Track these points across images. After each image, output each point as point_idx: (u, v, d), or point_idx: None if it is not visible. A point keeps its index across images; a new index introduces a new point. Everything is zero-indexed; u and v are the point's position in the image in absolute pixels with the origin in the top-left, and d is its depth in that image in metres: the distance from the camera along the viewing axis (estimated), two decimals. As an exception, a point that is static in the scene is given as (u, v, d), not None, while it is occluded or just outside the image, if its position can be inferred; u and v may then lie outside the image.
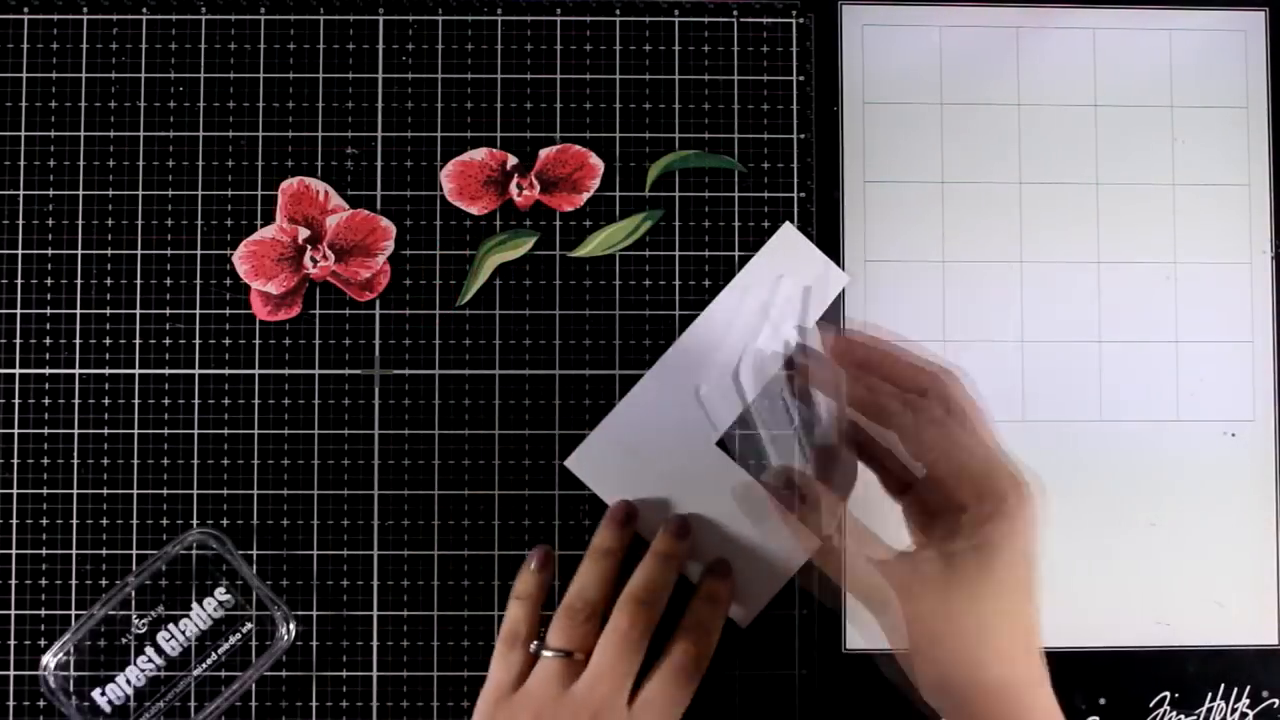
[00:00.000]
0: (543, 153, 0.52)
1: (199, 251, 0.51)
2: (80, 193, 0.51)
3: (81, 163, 0.51)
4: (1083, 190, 0.52)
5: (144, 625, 0.49)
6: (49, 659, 0.48)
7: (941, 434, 0.43)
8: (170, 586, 0.50)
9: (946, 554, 0.42)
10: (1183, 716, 0.51)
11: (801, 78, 0.52)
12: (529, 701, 0.44)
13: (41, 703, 0.50)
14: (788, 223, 0.51)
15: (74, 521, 0.50)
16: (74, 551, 0.50)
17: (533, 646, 0.46)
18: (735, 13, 0.52)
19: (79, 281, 0.51)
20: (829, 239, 0.52)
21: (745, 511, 0.49)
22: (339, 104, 0.52)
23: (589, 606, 0.46)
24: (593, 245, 0.51)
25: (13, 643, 0.50)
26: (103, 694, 0.49)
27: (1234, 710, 0.51)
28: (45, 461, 0.50)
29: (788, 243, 0.51)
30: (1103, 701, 0.51)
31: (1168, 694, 0.51)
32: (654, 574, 0.46)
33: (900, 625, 0.43)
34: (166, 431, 0.51)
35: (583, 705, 0.43)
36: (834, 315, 0.51)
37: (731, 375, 0.50)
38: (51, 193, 0.51)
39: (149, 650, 0.49)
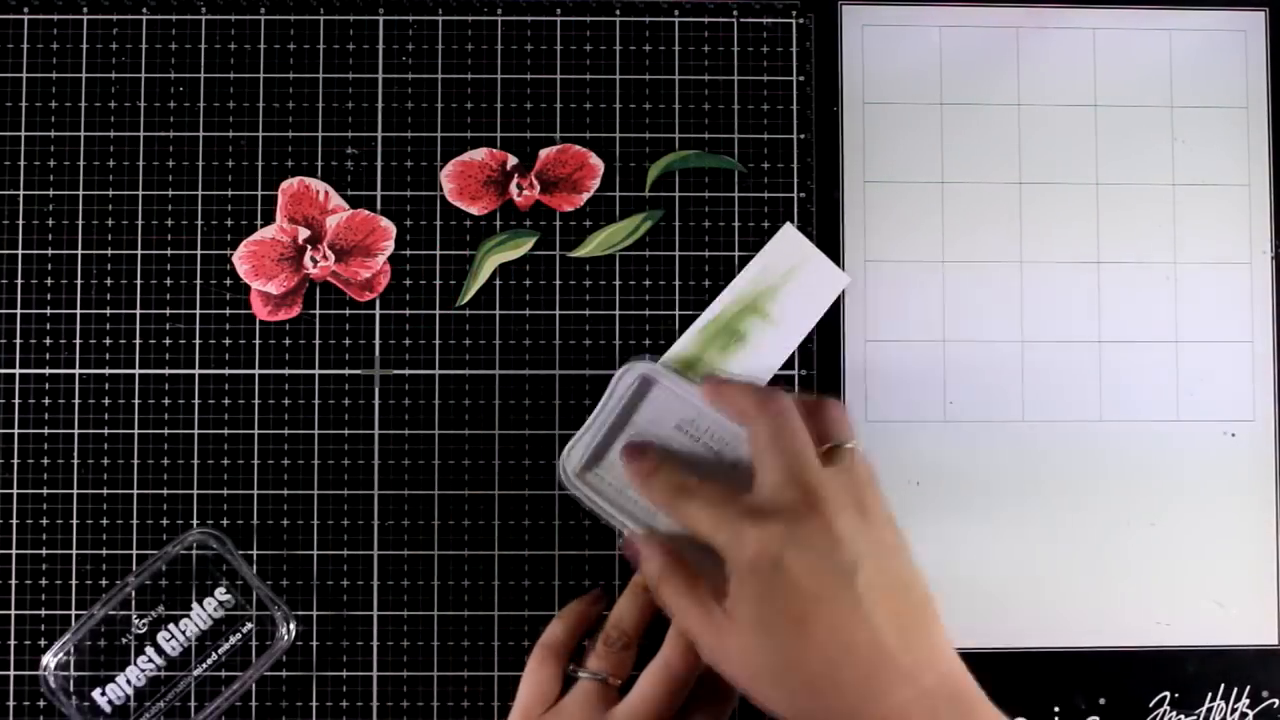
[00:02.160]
0: (543, 153, 0.52)
1: (199, 251, 0.51)
2: (80, 193, 0.51)
3: (81, 163, 0.51)
4: (1083, 190, 0.52)
5: (144, 625, 0.49)
6: (49, 659, 0.48)
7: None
8: (170, 586, 0.50)
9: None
10: (1183, 716, 0.51)
11: (801, 78, 0.52)
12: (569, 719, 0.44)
13: (41, 703, 0.50)
14: (788, 223, 0.51)
15: (74, 521, 0.50)
16: (74, 551, 0.50)
17: (570, 668, 0.46)
18: (735, 13, 0.52)
19: (79, 281, 0.51)
20: (829, 239, 0.52)
21: None
22: (339, 104, 0.52)
23: (624, 637, 0.46)
24: (593, 245, 0.51)
25: (13, 643, 0.50)
26: (103, 694, 0.49)
27: (1234, 710, 0.51)
28: (45, 461, 0.50)
29: (789, 243, 0.51)
30: (1103, 701, 0.51)
31: (1168, 694, 0.51)
32: None
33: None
34: (166, 431, 0.51)
35: None
36: (833, 316, 0.51)
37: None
38: (51, 193, 0.51)
39: (149, 650, 0.49)
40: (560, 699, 0.45)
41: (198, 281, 0.51)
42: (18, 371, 0.50)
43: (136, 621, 0.49)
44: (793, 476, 0.41)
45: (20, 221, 0.51)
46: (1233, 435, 0.52)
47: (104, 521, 0.50)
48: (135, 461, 0.50)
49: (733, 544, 0.41)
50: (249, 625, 0.50)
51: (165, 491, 0.50)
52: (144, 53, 0.52)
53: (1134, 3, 0.53)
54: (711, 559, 0.42)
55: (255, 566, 0.50)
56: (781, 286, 0.51)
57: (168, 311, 0.51)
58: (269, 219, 0.51)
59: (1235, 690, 0.51)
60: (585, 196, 0.51)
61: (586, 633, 0.48)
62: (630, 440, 0.48)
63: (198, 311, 0.51)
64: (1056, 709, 0.50)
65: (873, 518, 0.42)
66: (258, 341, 0.51)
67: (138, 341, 0.51)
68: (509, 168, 0.51)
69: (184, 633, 0.49)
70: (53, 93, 0.51)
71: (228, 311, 0.51)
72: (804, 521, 0.40)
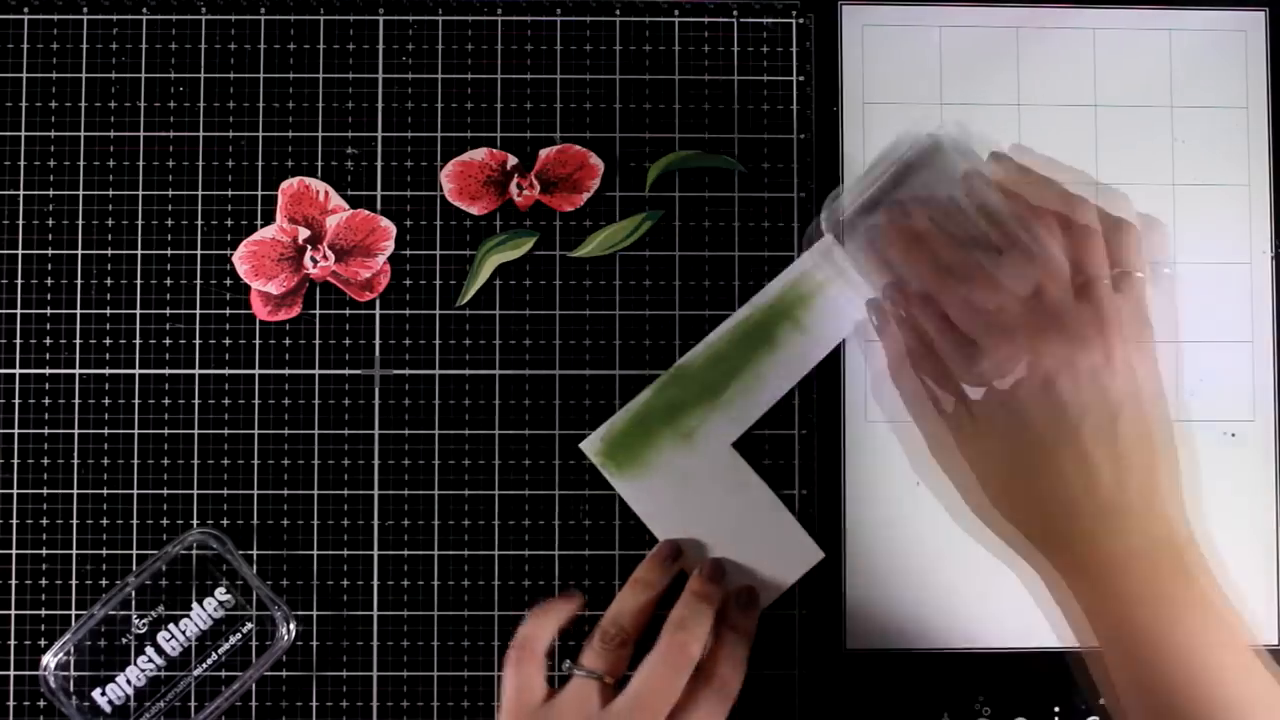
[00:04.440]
0: (543, 153, 0.52)
1: (199, 251, 0.51)
2: (80, 193, 0.51)
3: (81, 163, 0.51)
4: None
5: (144, 625, 0.49)
6: (49, 659, 0.48)
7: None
8: (170, 586, 0.50)
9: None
10: (1183, 716, 0.51)
11: (801, 78, 0.52)
12: (564, 717, 0.44)
13: (41, 703, 0.50)
14: (829, 234, 0.50)
15: (74, 521, 0.50)
16: (74, 551, 0.50)
17: (566, 665, 0.46)
18: (735, 13, 0.52)
19: (79, 281, 0.51)
20: (829, 239, 0.52)
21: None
22: (339, 104, 0.52)
23: (622, 633, 0.46)
24: (593, 245, 0.51)
25: (13, 643, 0.50)
26: (103, 694, 0.49)
27: (1234, 710, 0.51)
28: (45, 461, 0.50)
29: (825, 256, 0.50)
30: (1103, 701, 0.51)
31: (1168, 694, 0.51)
32: (691, 609, 0.46)
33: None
34: (166, 431, 0.51)
35: None
36: (834, 315, 0.51)
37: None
38: (51, 193, 0.51)
39: (149, 650, 0.49)
40: (552, 695, 0.45)
41: (198, 281, 0.51)
42: (18, 371, 0.51)
43: (136, 621, 0.49)
44: (1086, 294, 0.39)
45: (20, 221, 0.51)
46: (1233, 435, 0.52)
47: (104, 521, 0.50)
48: (135, 461, 0.50)
49: (1002, 346, 0.39)
50: (249, 625, 0.50)
51: (165, 491, 0.50)
52: (144, 53, 0.52)
53: (1134, 3, 0.53)
54: (962, 350, 0.39)
55: (255, 566, 0.50)
56: (815, 295, 0.51)
57: (168, 311, 0.51)
58: (269, 219, 0.51)
59: (1235, 690, 0.51)
60: (585, 196, 0.51)
61: (560, 631, 0.48)
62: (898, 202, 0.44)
63: (198, 311, 0.51)
64: (1056, 709, 0.50)
65: (1146, 355, 0.40)
66: (258, 341, 0.51)
67: (138, 341, 0.51)
68: (509, 168, 0.51)
69: (184, 633, 0.49)
70: (53, 93, 0.51)
71: (228, 311, 0.51)
72: (1087, 345, 0.38)
